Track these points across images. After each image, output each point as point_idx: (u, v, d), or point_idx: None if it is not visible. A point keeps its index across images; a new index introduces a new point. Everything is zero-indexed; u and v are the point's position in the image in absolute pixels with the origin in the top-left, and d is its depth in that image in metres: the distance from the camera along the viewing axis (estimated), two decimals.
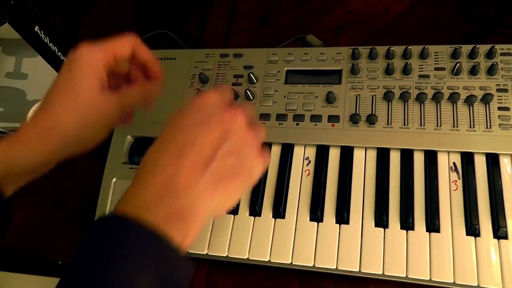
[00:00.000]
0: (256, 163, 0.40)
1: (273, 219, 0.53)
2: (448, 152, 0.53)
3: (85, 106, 0.41)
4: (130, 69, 0.48)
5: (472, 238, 0.48)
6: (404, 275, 0.47)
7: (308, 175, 0.55)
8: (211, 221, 0.55)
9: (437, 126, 0.53)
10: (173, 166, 0.35)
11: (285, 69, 0.62)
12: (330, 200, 0.53)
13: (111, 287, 0.29)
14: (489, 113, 0.53)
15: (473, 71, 0.55)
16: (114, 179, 0.60)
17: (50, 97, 0.42)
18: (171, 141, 0.37)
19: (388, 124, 0.55)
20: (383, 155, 0.54)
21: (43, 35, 0.57)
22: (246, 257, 0.52)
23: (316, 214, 0.52)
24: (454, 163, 0.52)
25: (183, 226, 0.34)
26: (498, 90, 0.54)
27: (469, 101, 0.53)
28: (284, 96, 0.60)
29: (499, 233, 0.47)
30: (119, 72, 0.47)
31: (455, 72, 0.56)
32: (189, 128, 0.37)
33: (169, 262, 0.32)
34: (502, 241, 0.47)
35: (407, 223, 0.50)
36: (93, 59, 0.42)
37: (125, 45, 0.44)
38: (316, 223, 0.52)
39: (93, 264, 0.30)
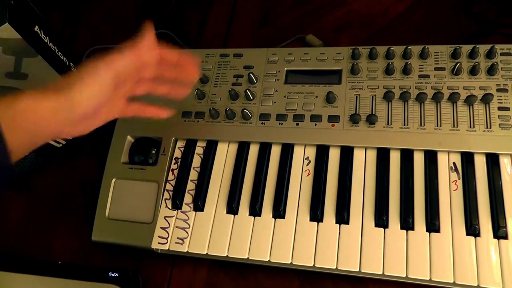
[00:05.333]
0: None
1: (273, 219, 0.53)
2: (448, 152, 0.53)
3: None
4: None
5: (472, 238, 0.48)
6: (404, 275, 0.47)
7: (308, 175, 0.55)
8: (211, 221, 0.55)
9: (437, 126, 0.53)
10: None
11: (285, 69, 0.62)
12: (330, 200, 0.53)
13: None
14: (489, 113, 0.53)
15: (473, 71, 0.55)
16: (114, 179, 0.60)
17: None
18: None
19: (388, 124, 0.55)
20: (383, 155, 0.54)
21: (43, 35, 0.57)
22: (246, 257, 0.52)
23: (316, 214, 0.52)
24: (454, 163, 0.52)
25: None
26: (498, 90, 0.54)
27: (469, 101, 0.53)
28: (284, 96, 0.60)
29: (499, 233, 0.47)
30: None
31: (455, 72, 0.56)
32: None
33: None
34: (502, 241, 0.47)
35: (407, 223, 0.50)
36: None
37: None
38: (316, 223, 0.52)
39: None
